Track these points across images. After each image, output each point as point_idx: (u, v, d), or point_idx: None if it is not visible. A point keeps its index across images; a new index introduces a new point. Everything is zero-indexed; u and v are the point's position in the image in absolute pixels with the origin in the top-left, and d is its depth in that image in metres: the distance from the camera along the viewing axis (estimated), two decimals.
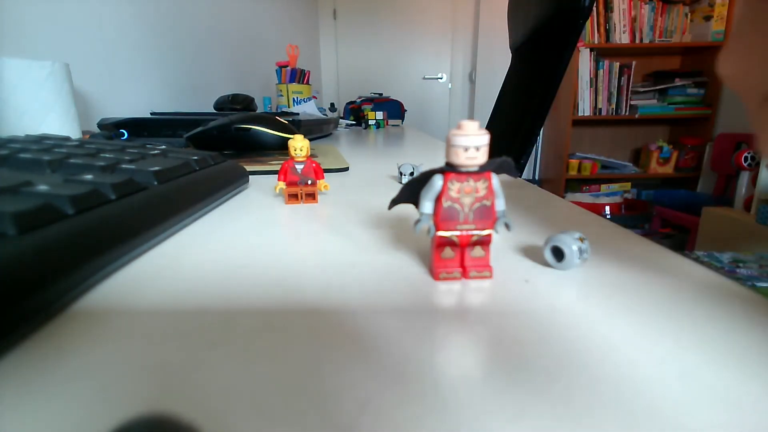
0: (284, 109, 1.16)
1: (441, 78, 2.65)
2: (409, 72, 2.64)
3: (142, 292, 0.14)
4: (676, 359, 0.11)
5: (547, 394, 0.09)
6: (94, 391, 0.09)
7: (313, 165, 0.27)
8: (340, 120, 1.34)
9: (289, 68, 1.19)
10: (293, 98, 1.18)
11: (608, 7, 2.10)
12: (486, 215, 0.15)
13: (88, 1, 0.74)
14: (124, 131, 0.56)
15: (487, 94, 2.53)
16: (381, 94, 1.62)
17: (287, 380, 0.10)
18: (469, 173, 0.14)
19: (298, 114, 0.81)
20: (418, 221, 0.15)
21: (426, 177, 0.15)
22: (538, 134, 0.74)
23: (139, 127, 0.61)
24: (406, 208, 0.25)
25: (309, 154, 0.27)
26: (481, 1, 2.45)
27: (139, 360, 0.10)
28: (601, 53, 2.17)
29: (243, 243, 0.20)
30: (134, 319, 0.13)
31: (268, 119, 0.50)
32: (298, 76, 1.20)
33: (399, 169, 0.35)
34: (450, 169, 0.15)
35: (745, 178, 1.58)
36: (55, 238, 0.13)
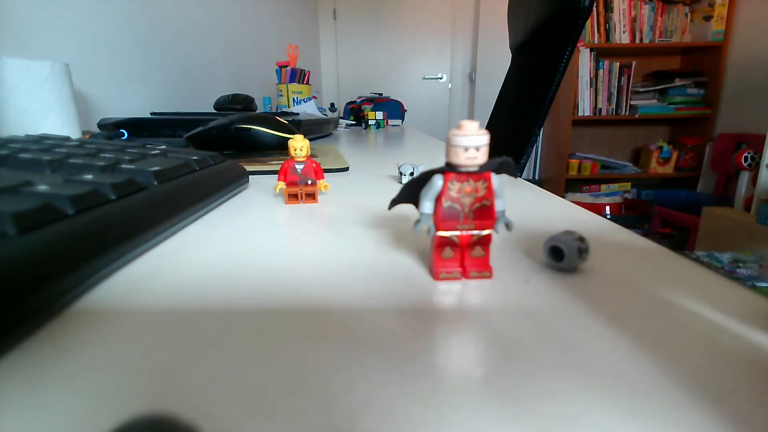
0: (284, 109, 1.16)
1: (441, 78, 2.65)
2: (409, 72, 2.64)
3: (142, 292, 0.14)
4: (675, 360, 0.11)
5: (547, 394, 0.09)
6: (94, 391, 0.09)
7: (313, 165, 0.27)
8: (340, 120, 1.34)
9: (289, 68, 1.19)
10: (293, 98, 1.19)
11: (608, 7, 2.10)
12: (486, 215, 0.15)
13: (88, 1, 0.74)
14: (124, 131, 0.56)
15: (487, 94, 2.53)
16: (381, 94, 1.62)
17: (287, 380, 0.10)
18: (469, 173, 0.14)
19: (298, 114, 0.81)
20: (418, 221, 0.15)
21: (426, 177, 0.15)
22: (538, 134, 0.74)
23: (139, 127, 0.61)
24: (406, 208, 0.25)
25: (309, 154, 0.27)
26: (481, 1, 2.45)
27: (138, 360, 0.10)
28: (601, 53, 2.17)
29: (243, 243, 0.20)
30: (134, 319, 0.13)
31: (268, 119, 0.50)
32: (298, 76, 1.20)
33: (399, 169, 0.35)
34: (450, 169, 0.15)
35: (745, 178, 1.58)
36: (55, 238, 0.13)
